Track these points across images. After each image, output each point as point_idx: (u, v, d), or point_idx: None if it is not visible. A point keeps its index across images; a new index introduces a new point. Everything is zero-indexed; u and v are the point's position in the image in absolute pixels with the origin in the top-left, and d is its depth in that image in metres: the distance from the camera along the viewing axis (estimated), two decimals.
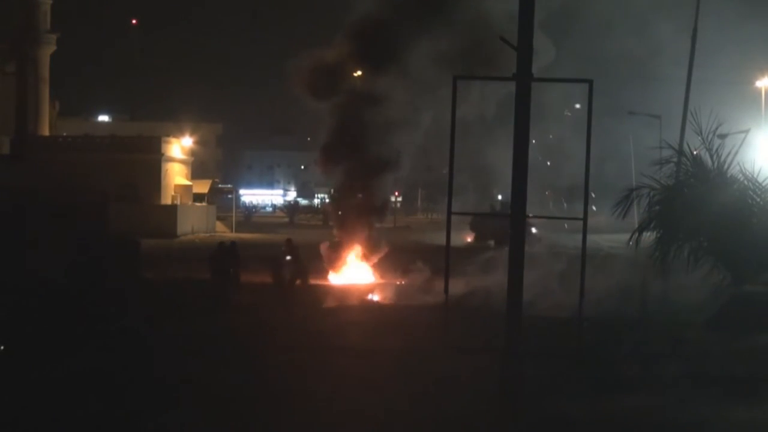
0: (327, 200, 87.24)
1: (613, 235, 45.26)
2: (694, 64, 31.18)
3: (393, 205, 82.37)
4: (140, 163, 66.21)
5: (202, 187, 73.96)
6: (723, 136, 20.67)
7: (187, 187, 71.67)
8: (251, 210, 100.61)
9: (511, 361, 14.31)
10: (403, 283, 31.67)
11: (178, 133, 76.73)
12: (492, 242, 48.56)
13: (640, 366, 17.50)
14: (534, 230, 50.71)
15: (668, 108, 41.29)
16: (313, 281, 31.05)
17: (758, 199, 19.57)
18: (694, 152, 20.86)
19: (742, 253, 19.29)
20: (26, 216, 26.58)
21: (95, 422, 13.78)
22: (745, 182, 19.61)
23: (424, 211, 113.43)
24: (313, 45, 37.32)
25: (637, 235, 20.33)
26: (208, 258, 28.25)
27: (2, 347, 18.49)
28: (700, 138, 19.89)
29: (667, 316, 22.22)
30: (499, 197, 59.96)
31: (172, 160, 70.38)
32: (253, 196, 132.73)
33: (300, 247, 30.38)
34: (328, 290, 31.07)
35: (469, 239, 54.90)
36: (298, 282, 28.75)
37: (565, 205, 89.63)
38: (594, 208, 51.97)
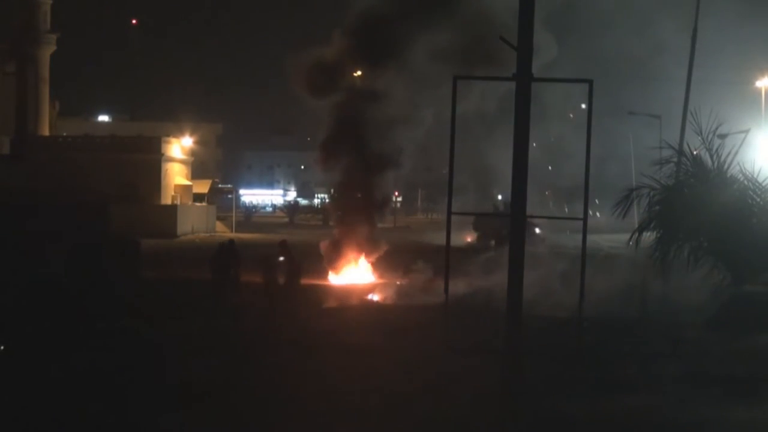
0: (327, 200, 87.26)
1: (613, 235, 45.27)
2: (695, 64, 31.19)
3: (393, 205, 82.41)
4: (140, 163, 66.21)
5: (202, 187, 73.95)
6: (723, 136, 20.67)
7: (187, 187, 71.67)
8: (251, 210, 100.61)
9: (511, 361, 14.31)
10: (403, 283, 31.63)
11: (178, 133, 76.73)
12: (492, 242, 48.46)
13: (640, 366, 17.50)
14: (537, 230, 50.66)
15: (668, 108, 41.29)
16: (312, 281, 31.02)
17: (758, 199, 19.58)
18: (694, 152, 20.86)
19: (742, 253, 19.29)
20: (26, 216, 26.58)
21: (95, 422, 13.78)
22: (745, 182, 19.61)
23: (424, 211, 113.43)
24: (313, 45, 37.19)
25: (637, 235, 20.34)
26: (209, 259, 28.22)
27: (2, 347, 18.48)
28: (700, 138, 19.90)
29: (667, 316, 22.23)
30: (500, 197, 59.93)
31: (172, 160, 70.37)
32: (253, 196, 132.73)
33: (300, 246, 30.36)
34: (325, 290, 31.06)
35: (469, 239, 54.79)
36: (283, 282, 28.44)
37: (566, 208, 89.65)
38: (598, 215, 51.91)
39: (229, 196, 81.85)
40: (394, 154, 35.32)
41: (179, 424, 13.82)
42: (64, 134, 76.09)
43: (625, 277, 27.40)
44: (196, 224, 67.66)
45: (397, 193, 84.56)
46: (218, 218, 73.76)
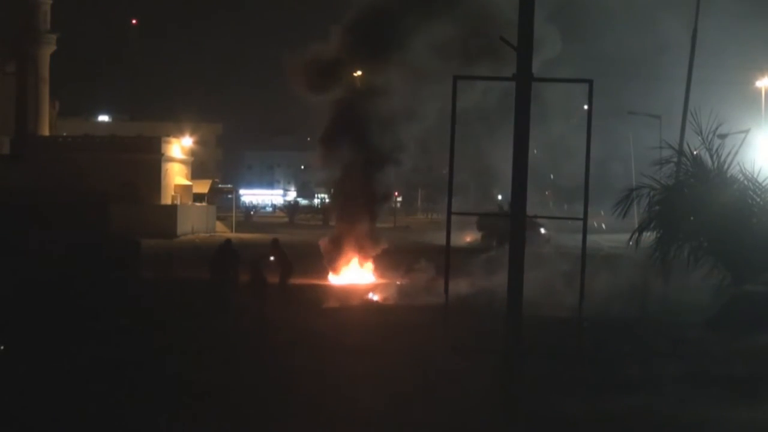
0: (327, 200, 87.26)
1: (613, 235, 45.29)
2: (695, 64, 31.17)
3: (393, 205, 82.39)
4: (140, 163, 66.22)
5: (202, 187, 73.97)
6: (723, 136, 20.67)
7: (187, 187, 71.68)
8: (251, 210, 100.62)
9: (511, 361, 14.30)
10: (403, 283, 31.57)
11: (178, 133, 76.75)
12: (494, 242, 48.35)
13: (640, 366, 17.50)
14: (543, 231, 50.56)
15: (669, 108, 41.28)
16: (312, 281, 31.02)
17: (758, 199, 19.58)
18: (694, 152, 20.86)
19: (742, 253, 19.29)
20: (26, 216, 26.60)
21: (95, 422, 13.78)
22: (745, 182, 19.61)
23: (424, 211, 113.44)
24: (313, 43, 37.07)
25: (637, 235, 20.34)
26: (210, 260, 28.19)
27: (2, 347, 18.49)
28: (700, 138, 19.89)
29: (667, 316, 22.23)
30: (500, 197, 59.85)
31: (172, 160, 70.38)
32: (253, 196, 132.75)
33: (300, 247, 30.33)
34: (325, 290, 31.05)
35: (468, 239, 54.64)
36: (278, 281, 28.28)
37: (565, 207, 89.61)
38: (603, 225, 51.82)
39: (229, 196, 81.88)
40: (394, 150, 35.12)
41: (179, 423, 13.82)
42: (64, 134, 76.10)
43: (625, 277, 27.40)
44: (196, 224, 67.66)
45: (397, 193, 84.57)
46: (218, 218, 73.78)
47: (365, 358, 18.61)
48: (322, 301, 28.13)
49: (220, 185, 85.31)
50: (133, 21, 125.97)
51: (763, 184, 19.53)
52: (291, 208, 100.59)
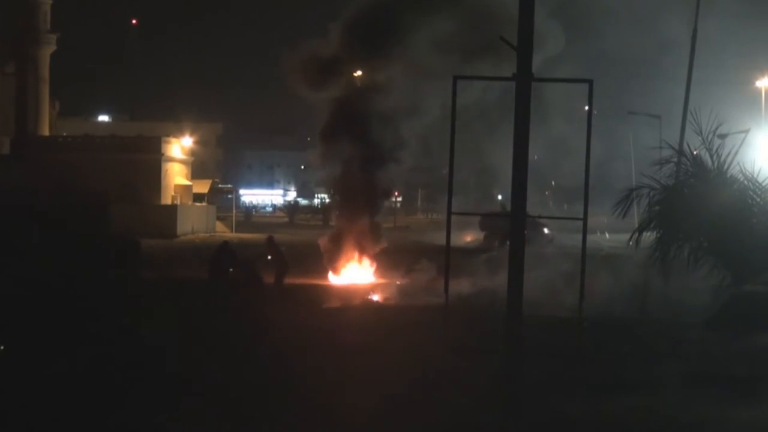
0: (327, 200, 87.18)
1: (613, 235, 45.27)
2: (696, 64, 31.16)
3: (393, 205, 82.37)
4: (140, 163, 66.23)
5: (202, 187, 73.98)
6: (723, 136, 20.64)
7: (187, 187, 71.68)
8: (251, 210, 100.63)
9: (511, 361, 14.30)
10: (403, 282, 31.55)
11: (178, 133, 76.75)
12: (496, 243, 48.28)
13: (640, 366, 17.50)
14: (546, 231, 50.51)
15: (669, 108, 41.28)
16: (312, 281, 30.97)
17: (758, 199, 19.55)
18: (694, 152, 20.84)
19: (742, 253, 19.27)
20: (26, 216, 26.59)
21: (95, 421, 13.78)
22: (745, 182, 19.59)
23: (424, 211, 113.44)
24: (313, 42, 36.93)
25: (637, 235, 20.33)
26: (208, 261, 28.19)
27: (2, 347, 18.48)
28: (700, 138, 19.88)
29: (667, 316, 22.22)
30: (500, 197, 59.82)
31: (172, 160, 70.38)
32: (253, 196, 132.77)
33: (300, 247, 30.31)
34: (324, 290, 31.03)
35: (468, 239, 54.54)
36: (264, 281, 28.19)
37: (565, 206, 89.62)
38: (606, 235, 51.74)
39: (229, 196, 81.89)
40: (395, 146, 34.92)
41: (178, 423, 13.82)
42: (64, 134, 76.11)
43: (625, 277, 27.40)
44: (196, 224, 67.67)
45: (397, 193, 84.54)
46: (218, 218, 73.78)
47: (365, 358, 18.60)
48: (321, 300, 28.12)
49: (220, 185, 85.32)
50: (133, 21, 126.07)
51: (763, 184, 19.51)
52: (291, 208, 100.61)
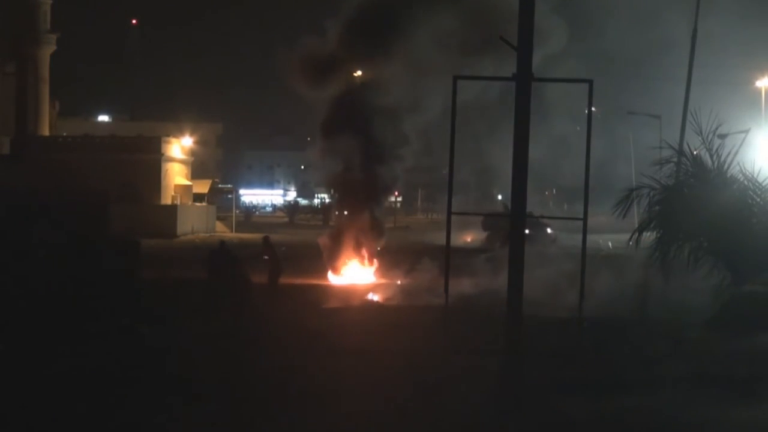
0: (327, 200, 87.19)
1: (613, 235, 45.26)
2: (696, 64, 31.16)
3: (393, 205, 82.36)
4: (140, 163, 66.24)
5: (202, 187, 73.99)
6: (723, 136, 20.66)
7: (187, 187, 71.68)
8: (251, 210, 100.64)
9: (511, 361, 14.31)
10: (404, 282, 31.50)
11: (178, 133, 76.77)
12: (498, 243, 48.16)
13: (640, 366, 17.49)
14: (549, 231, 50.46)
15: (669, 108, 41.29)
16: (311, 281, 30.92)
17: (758, 199, 19.56)
18: (694, 152, 20.85)
19: (742, 253, 19.27)
20: (26, 216, 26.57)
21: (95, 422, 13.78)
22: (745, 182, 19.59)
23: (424, 211, 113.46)
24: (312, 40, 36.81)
25: (637, 235, 20.33)
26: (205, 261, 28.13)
27: (2, 347, 18.48)
28: (700, 138, 19.88)
29: (667, 316, 22.21)
30: (499, 197, 59.79)
31: (172, 160, 70.39)
32: (253, 196, 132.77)
33: (299, 247, 30.29)
34: (324, 290, 31.00)
35: (468, 239, 54.44)
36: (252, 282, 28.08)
37: (565, 206, 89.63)
38: (609, 244, 51.68)
39: (229, 196, 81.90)
40: (395, 143, 34.78)
41: (178, 423, 13.81)
42: (64, 134, 76.14)
43: (625, 277, 27.39)
44: (196, 224, 67.68)
45: (397, 193, 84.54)
46: (218, 218, 73.79)
47: (365, 359, 18.60)
48: (320, 301, 28.08)
49: (220, 185, 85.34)
50: (133, 21, 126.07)
51: (763, 184, 19.51)
52: (291, 208, 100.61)
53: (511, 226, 14.41)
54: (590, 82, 14.99)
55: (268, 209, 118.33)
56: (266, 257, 28.59)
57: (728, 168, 19.72)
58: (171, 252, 46.06)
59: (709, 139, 19.72)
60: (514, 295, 14.25)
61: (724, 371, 16.85)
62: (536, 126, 14.45)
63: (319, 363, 18.06)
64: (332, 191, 44.45)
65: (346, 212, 36.00)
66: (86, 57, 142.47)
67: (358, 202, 34.92)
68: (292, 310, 25.60)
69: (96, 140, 71.07)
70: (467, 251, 39.98)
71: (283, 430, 13.77)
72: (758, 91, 52.78)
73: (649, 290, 25.12)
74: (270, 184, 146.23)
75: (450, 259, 16.28)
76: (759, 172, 19.75)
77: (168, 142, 70.53)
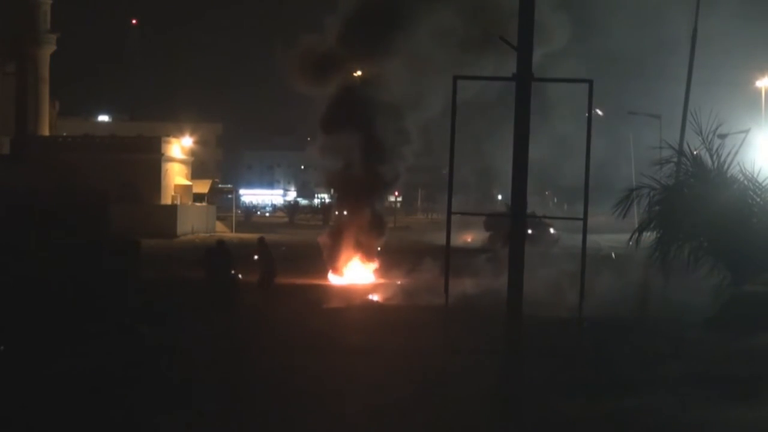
0: (327, 200, 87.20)
1: (613, 235, 45.23)
2: (695, 64, 31.16)
3: (393, 205, 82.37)
4: (140, 163, 66.25)
5: (202, 187, 74.00)
6: (723, 136, 20.68)
7: (187, 187, 71.69)
8: (254, 210, 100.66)
9: (511, 361, 14.31)
10: (404, 282, 31.45)
11: (178, 133, 76.79)
12: (499, 243, 48.00)
13: (640, 366, 17.49)
14: (552, 231, 50.38)
15: (670, 108, 41.28)
16: (311, 281, 30.88)
17: (758, 199, 19.58)
18: (694, 152, 20.86)
19: (742, 253, 19.29)
20: (27, 216, 26.56)
21: (95, 422, 13.78)
22: (745, 182, 19.61)
23: (424, 211, 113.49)
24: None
25: (637, 235, 20.34)
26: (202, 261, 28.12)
27: (2, 347, 18.47)
28: (700, 138, 19.90)
29: (667, 316, 22.22)
30: (500, 197, 59.77)
31: (172, 160, 70.40)
32: (253, 196, 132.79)
33: (299, 247, 30.26)
34: (324, 290, 30.97)
35: (468, 239, 54.40)
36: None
37: (565, 206, 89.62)
38: (612, 254, 51.55)
39: (229, 196, 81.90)
40: (396, 140, 34.67)
41: (179, 423, 13.81)
42: (64, 134, 76.14)
43: (625, 277, 27.39)
44: (196, 224, 67.69)
45: (397, 193, 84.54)
46: (218, 218, 73.80)
47: (365, 359, 18.60)
48: (320, 301, 28.07)
49: (220, 185, 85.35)
50: (133, 21, 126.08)
51: (763, 184, 19.53)
52: (291, 208, 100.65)
53: (512, 226, 14.41)
54: (590, 82, 14.98)
55: (268, 209, 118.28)
56: (256, 257, 28.53)
57: (728, 168, 19.74)
58: (171, 252, 46.07)
59: (709, 139, 19.74)
60: (514, 295, 14.25)
61: (724, 371, 16.86)
62: (536, 126, 14.44)
63: (320, 363, 18.06)
64: (332, 190, 44.34)
65: (345, 212, 35.91)
66: (86, 57, 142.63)
67: (359, 200, 34.83)
68: (293, 310, 25.60)
69: (96, 140, 71.08)
70: (468, 251, 39.97)
71: (284, 429, 13.76)
72: (758, 92, 52.74)
73: (649, 290, 25.14)
74: (270, 184, 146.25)
75: (450, 259, 16.28)
76: (759, 172, 19.77)
77: (168, 142, 70.54)
